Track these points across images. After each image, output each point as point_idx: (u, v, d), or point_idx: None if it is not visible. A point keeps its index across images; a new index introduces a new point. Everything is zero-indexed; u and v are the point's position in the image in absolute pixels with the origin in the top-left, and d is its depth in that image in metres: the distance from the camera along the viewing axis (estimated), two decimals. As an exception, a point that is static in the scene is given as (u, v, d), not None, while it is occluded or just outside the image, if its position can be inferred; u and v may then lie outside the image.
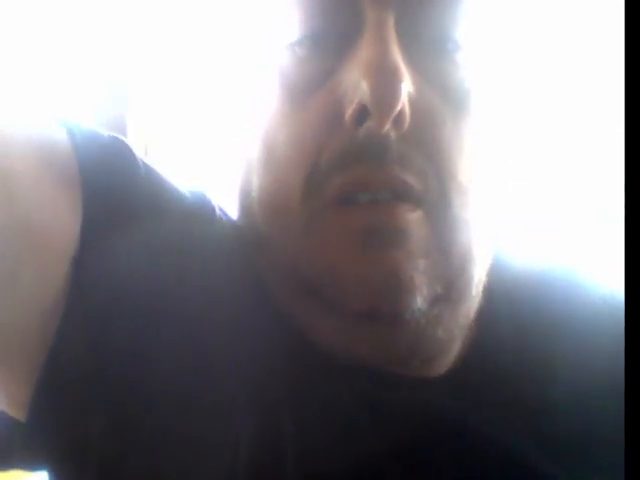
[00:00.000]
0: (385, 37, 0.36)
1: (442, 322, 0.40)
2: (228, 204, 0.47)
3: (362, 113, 0.36)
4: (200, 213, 0.44)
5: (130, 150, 0.42)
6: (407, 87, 0.36)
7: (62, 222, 0.37)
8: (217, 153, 1.30)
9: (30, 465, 0.44)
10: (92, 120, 1.25)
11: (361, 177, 0.37)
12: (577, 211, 1.21)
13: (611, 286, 0.51)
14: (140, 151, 0.43)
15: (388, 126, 0.35)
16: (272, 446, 0.37)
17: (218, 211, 0.45)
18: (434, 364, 0.43)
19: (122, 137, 0.43)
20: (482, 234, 0.41)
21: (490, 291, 0.47)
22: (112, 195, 0.39)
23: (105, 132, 0.42)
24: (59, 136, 0.39)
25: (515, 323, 0.46)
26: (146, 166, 0.42)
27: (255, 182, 0.41)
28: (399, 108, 0.35)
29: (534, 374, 0.43)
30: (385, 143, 0.36)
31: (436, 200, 0.38)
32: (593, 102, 1.19)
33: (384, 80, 0.35)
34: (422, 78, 0.38)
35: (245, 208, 0.43)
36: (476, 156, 0.40)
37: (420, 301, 0.37)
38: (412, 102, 0.36)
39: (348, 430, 0.38)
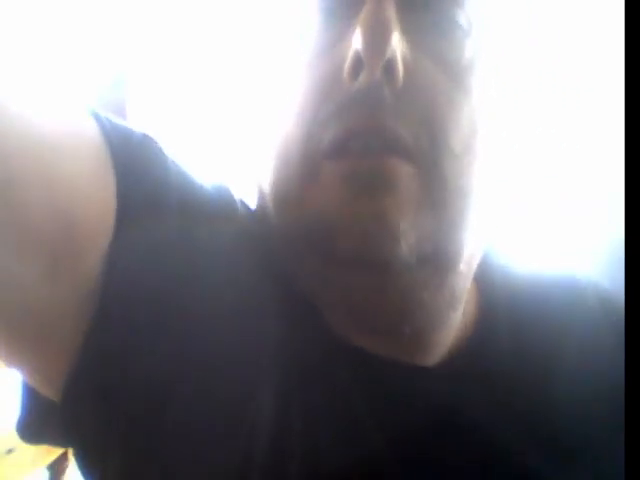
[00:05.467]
0: (383, 2, 0.38)
1: (429, 288, 0.41)
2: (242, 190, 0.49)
3: (357, 64, 0.37)
4: (225, 207, 0.45)
5: (160, 146, 0.43)
6: (399, 42, 0.38)
7: (98, 214, 0.39)
8: (217, 140, 1.30)
9: (59, 442, 0.45)
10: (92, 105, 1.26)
11: (354, 125, 0.38)
12: (578, 213, 1.21)
13: (609, 290, 0.53)
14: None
15: (380, 75, 0.37)
16: (280, 436, 0.38)
17: (240, 205, 0.47)
18: (427, 349, 0.43)
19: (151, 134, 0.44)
20: (474, 211, 0.42)
21: (490, 289, 0.49)
22: (145, 189, 0.40)
23: (136, 129, 0.44)
24: (92, 130, 0.40)
25: (513, 323, 0.47)
26: (174, 162, 0.44)
27: (267, 153, 0.43)
28: (389, 56, 0.37)
29: (530, 373, 0.44)
30: (378, 94, 0.38)
31: (427, 159, 0.39)
32: (593, 102, 1.19)
33: (374, 30, 0.37)
34: (419, 47, 0.39)
35: (260, 187, 0.45)
36: (472, 129, 0.40)
37: (406, 250, 0.38)
38: (407, 63, 0.38)
39: (351, 418, 0.40)
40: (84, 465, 0.43)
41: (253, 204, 0.48)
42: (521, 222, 1.13)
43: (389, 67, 0.37)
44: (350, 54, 0.38)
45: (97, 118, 0.41)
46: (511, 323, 0.47)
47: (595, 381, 0.45)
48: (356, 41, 0.37)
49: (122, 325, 0.39)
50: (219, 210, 0.44)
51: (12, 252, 0.36)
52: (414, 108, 0.39)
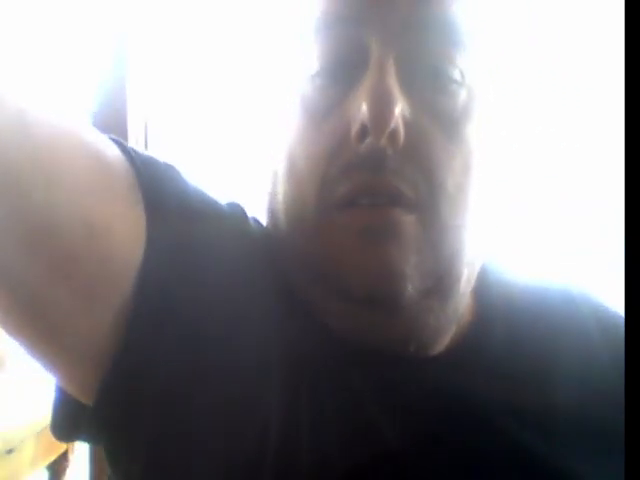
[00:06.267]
0: (384, 69, 0.42)
1: (433, 312, 0.46)
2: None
3: (363, 131, 0.42)
4: (238, 221, 0.51)
5: (180, 174, 0.49)
6: (401, 110, 0.42)
7: (130, 246, 0.43)
8: (216, 131, 1.30)
9: (90, 441, 0.51)
10: (92, 98, 1.26)
11: (362, 184, 0.43)
12: (577, 222, 1.21)
13: (603, 303, 0.56)
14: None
15: (384, 141, 0.42)
16: (291, 433, 0.41)
17: (252, 220, 0.52)
18: (430, 347, 0.48)
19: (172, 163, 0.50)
20: (470, 240, 0.47)
21: (485, 292, 0.52)
22: (170, 216, 0.45)
23: (160, 158, 0.49)
24: (122, 166, 0.45)
25: (507, 321, 0.51)
26: (194, 186, 0.49)
27: (280, 190, 0.48)
28: (393, 126, 0.41)
29: (524, 368, 0.48)
30: (382, 156, 0.42)
31: (427, 207, 0.44)
32: (593, 102, 1.18)
33: (379, 103, 0.41)
34: (417, 105, 0.44)
35: (272, 211, 0.50)
36: (465, 170, 0.45)
37: (411, 289, 0.43)
38: (407, 123, 0.43)
39: (361, 413, 0.43)
40: (113, 463, 0.47)
41: (264, 220, 0.52)
42: (518, 228, 1.14)
43: (392, 135, 0.42)
44: (357, 122, 0.42)
45: (124, 150, 0.45)
46: (506, 322, 0.51)
47: (585, 379, 0.49)
48: (362, 112, 0.42)
49: (150, 339, 0.43)
50: (235, 227, 0.50)
51: (57, 283, 0.41)
52: (413, 162, 0.43)
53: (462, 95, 0.45)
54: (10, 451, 1.07)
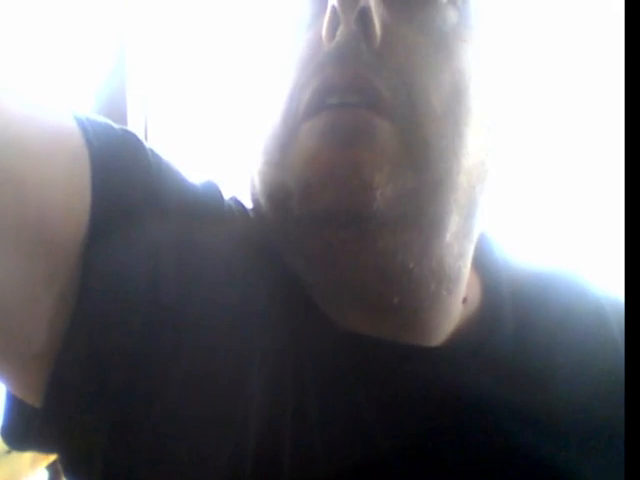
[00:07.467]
0: None
1: (412, 253, 0.40)
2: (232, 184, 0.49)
3: (333, 19, 0.38)
4: (211, 203, 0.45)
5: (142, 144, 0.43)
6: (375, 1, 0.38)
7: (72, 215, 0.38)
8: (215, 128, 1.30)
9: (44, 448, 0.45)
10: (92, 99, 1.26)
11: (331, 79, 0.38)
12: (579, 211, 1.21)
13: (613, 289, 0.52)
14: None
15: (354, 24, 0.37)
16: (273, 425, 0.38)
17: (228, 201, 0.47)
18: (424, 330, 0.43)
19: (133, 131, 0.44)
20: (462, 179, 0.40)
21: (493, 279, 0.49)
22: (122, 190, 0.40)
23: (116, 125, 0.43)
24: (71, 128, 0.39)
25: (517, 311, 0.47)
26: (157, 159, 0.43)
27: (257, 142, 0.43)
28: (362, 4, 0.37)
29: (533, 360, 0.45)
30: (355, 48, 0.38)
31: (407, 118, 0.38)
32: (593, 119, 1.19)
33: None
34: (401, 17, 0.39)
35: (251, 176, 0.45)
36: (454, 92, 0.40)
37: (381, 202, 0.37)
38: (384, 23, 0.38)
39: (349, 405, 0.40)
40: (69, 471, 0.42)
41: (248, 200, 0.47)
42: (518, 227, 1.14)
43: (364, 18, 0.37)
44: (327, 12, 0.38)
45: (77, 119, 0.40)
46: (515, 311, 0.47)
47: (598, 371, 0.45)
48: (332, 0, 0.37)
49: (101, 327, 0.38)
50: (204, 207, 0.44)
51: None
52: (392, 66, 0.38)
53: (452, 14, 0.40)
54: (10, 451, 1.07)
